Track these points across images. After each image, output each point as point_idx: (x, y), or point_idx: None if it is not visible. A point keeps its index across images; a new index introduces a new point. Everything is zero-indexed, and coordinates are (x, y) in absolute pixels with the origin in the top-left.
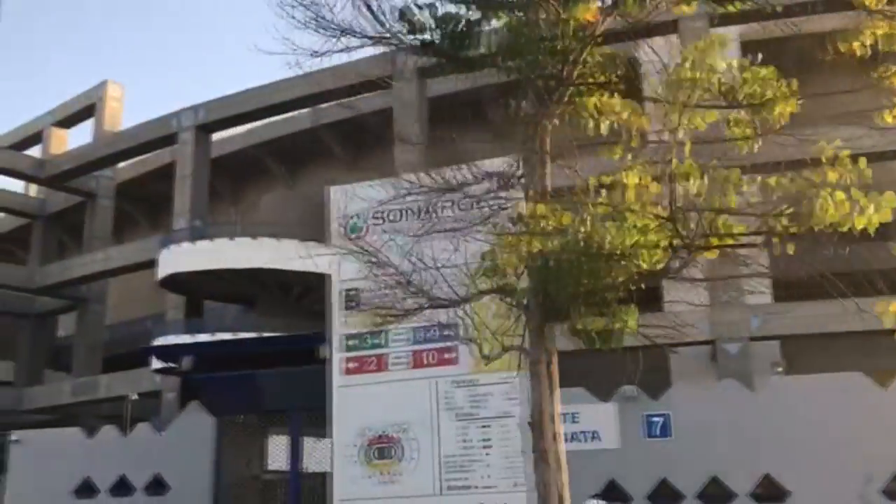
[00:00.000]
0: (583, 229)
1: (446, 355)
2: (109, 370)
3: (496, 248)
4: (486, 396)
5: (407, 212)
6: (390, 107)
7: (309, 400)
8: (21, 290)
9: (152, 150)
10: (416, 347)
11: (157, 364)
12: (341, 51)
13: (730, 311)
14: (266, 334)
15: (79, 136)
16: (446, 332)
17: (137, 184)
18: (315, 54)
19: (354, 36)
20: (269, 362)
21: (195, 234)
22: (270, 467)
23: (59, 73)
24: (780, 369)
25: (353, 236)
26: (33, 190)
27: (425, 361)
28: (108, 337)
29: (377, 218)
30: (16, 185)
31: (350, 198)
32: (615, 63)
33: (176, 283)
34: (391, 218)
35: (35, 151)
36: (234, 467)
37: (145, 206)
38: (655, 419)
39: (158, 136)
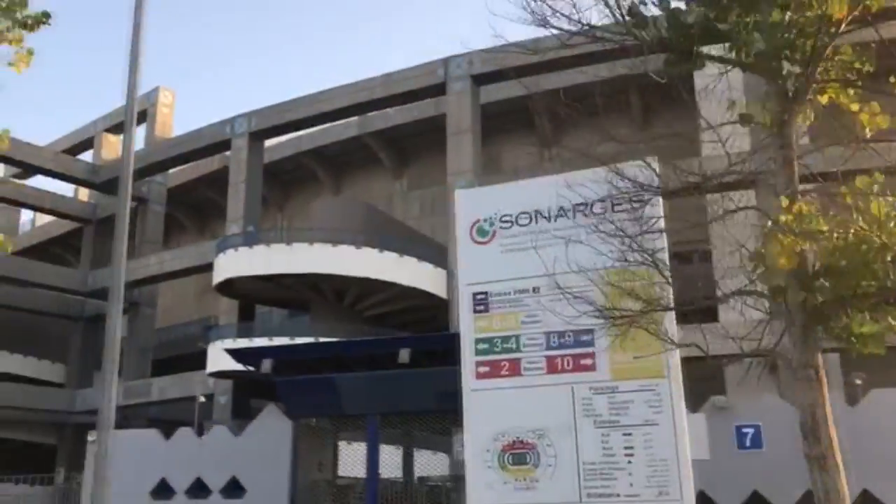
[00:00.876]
0: (855, 229)
1: (583, 361)
2: (158, 373)
3: (763, 249)
4: (626, 404)
5: (537, 215)
6: (435, 115)
7: (387, 404)
8: (74, 293)
9: (206, 156)
10: (551, 353)
11: (212, 367)
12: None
13: None
14: (322, 339)
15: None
16: (582, 338)
17: (184, 190)
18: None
19: (592, 33)
20: (348, 366)
21: (250, 240)
22: (341, 473)
23: (112, 78)
24: (859, 381)
25: (481, 240)
26: (83, 194)
27: (560, 367)
28: (155, 340)
29: (506, 222)
30: (65, 189)
31: (477, 201)
32: (863, 59)
33: (232, 287)
34: (521, 222)
35: (86, 157)
36: (307, 471)
37: (192, 211)
38: (746, 430)
39: (212, 143)
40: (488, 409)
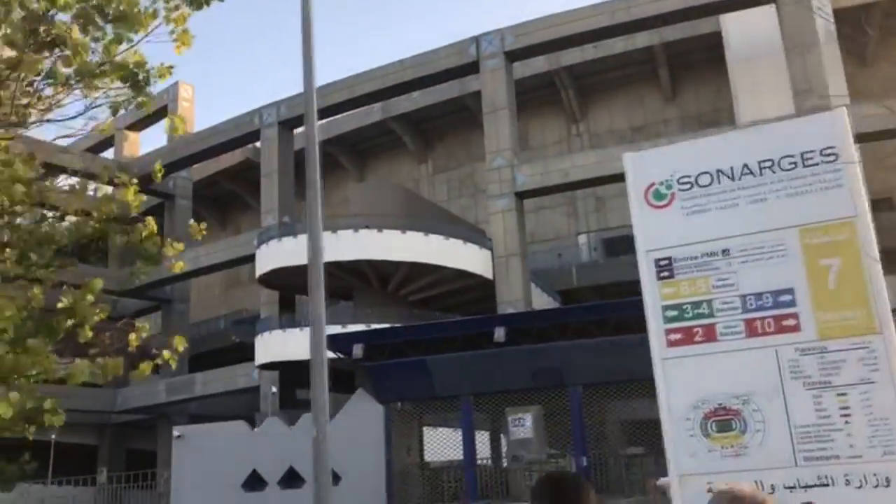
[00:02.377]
0: None
1: (785, 322)
2: (195, 369)
3: None
4: (838, 364)
5: (719, 174)
6: (459, 95)
7: (481, 384)
8: (109, 292)
9: (234, 147)
10: (749, 316)
11: (260, 359)
12: None
13: None
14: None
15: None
16: (781, 299)
17: (205, 184)
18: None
19: None
20: (436, 348)
21: (291, 230)
22: (427, 458)
23: None
24: None
25: (658, 204)
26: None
27: (761, 330)
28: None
29: (684, 183)
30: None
31: (650, 164)
32: None
33: (274, 278)
34: (701, 182)
35: (107, 154)
36: (398, 456)
37: (213, 206)
38: None
39: (240, 135)
40: (684, 377)
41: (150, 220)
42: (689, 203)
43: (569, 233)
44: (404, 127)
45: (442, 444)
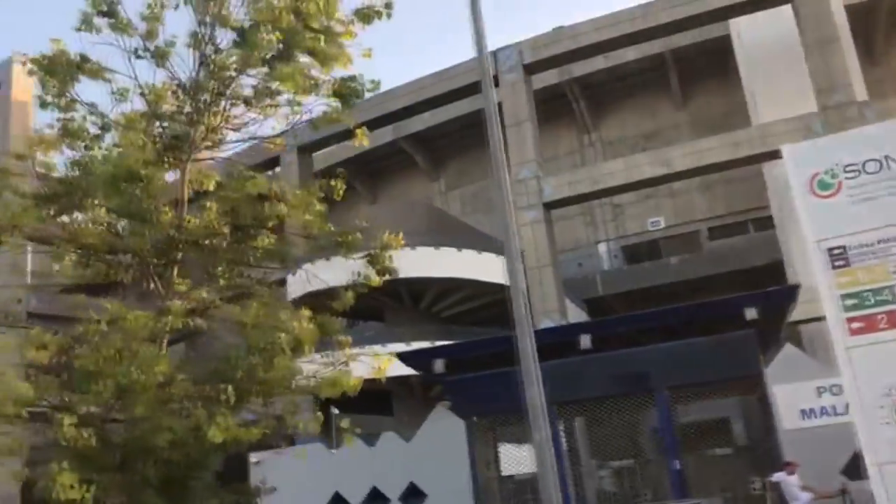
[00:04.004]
0: None
1: None
2: None
3: None
4: None
5: (887, 160)
6: (469, 112)
7: (566, 394)
8: None
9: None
10: None
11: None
12: None
13: None
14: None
15: None
16: None
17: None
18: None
19: None
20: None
21: (328, 252)
22: (504, 472)
23: None
24: None
25: (824, 193)
26: None
27: None
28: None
29: (851, 171)
30: None
31: (811, 155)
32: None
33: (309, 299)
34: (868, 169)
35: None
36: (480, 470)
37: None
38: None
39: (263, 160)
40: (871, 364)
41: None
42: (857, 191)
43: (588, 242)
44: (415, 146)
45: (512, 457)
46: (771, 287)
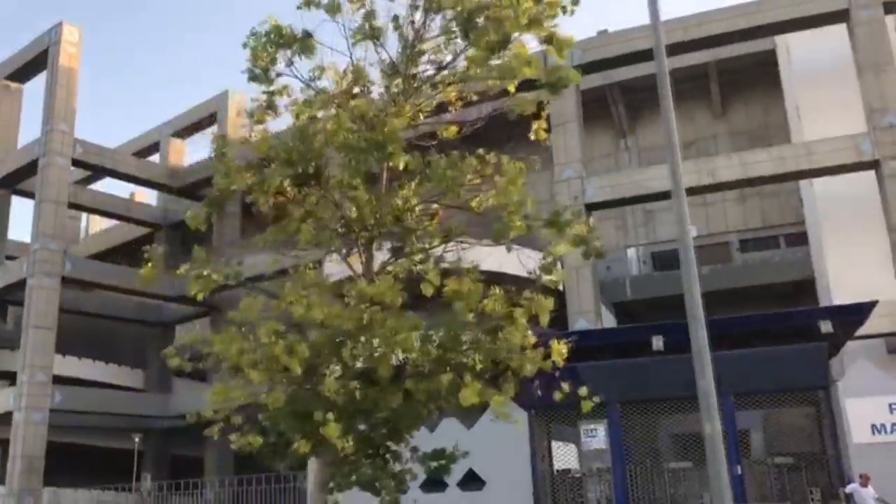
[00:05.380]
0: None
1: None
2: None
3: None
4: None
5: None
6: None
7: (629, 392)
8: (160, 297)
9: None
10: None
11: None
12: None
13: None
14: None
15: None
16: None
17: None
18: None
19: None
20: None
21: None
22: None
23: (175, 79)
24: None
25: None
26: (142, 198)
27: None
28: None
29: None
30: (122, 193)
31: None
32: None
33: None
34: None
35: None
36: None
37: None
38: None
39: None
40: None
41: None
42: None
43: (617, 245)
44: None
45: (562, 454)
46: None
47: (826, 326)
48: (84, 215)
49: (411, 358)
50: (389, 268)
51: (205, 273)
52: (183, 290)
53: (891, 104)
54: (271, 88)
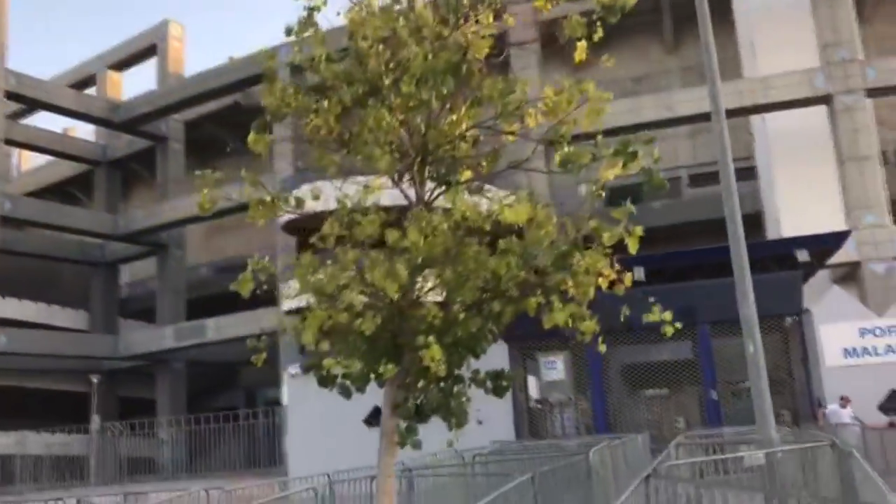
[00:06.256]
0: None
1: None
2: (192, 317)
3: None
4: None
5: None
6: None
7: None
8: (106, 236)
9: (244, 88)
10: None
11: (286, 306)
12: None
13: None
14: None
15: (135, 78)
16: None
17: (189, 127)
18: None
19: None
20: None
21: (307, 178)
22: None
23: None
24: None
25: None
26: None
27: None
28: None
29: None
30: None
31: None
32: None
33: (293, 225)
34: None
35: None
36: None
37: (193, 149)
38: None
39: (252, 74)
40: None
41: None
42: None
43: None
44: None
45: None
46: (756, 238)
47: (803, 255)
48: (16, 152)
49: (501, 280)
50: (444, 196)
51: (267, 199)
52: (128, 228)
53: (844, 38)
54: (312, 4)
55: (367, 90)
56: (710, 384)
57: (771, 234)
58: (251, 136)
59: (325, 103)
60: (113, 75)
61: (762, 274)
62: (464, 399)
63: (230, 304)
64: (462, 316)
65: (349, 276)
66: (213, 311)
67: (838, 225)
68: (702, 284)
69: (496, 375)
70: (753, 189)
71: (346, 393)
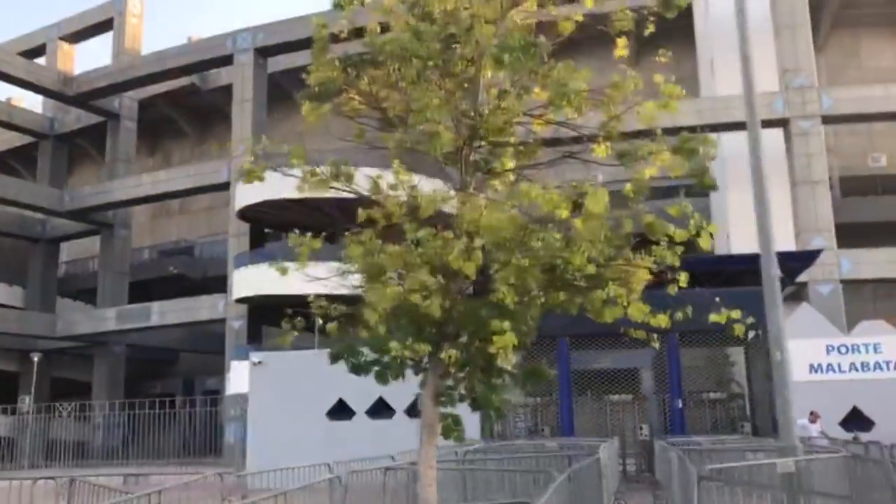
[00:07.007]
0: None
1: None
2: (135, 299)
3: None
4: None
5: None
6: None
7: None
8: (50, 212)
9: (202, 70)
10: None
11: (237, 293)
12: None
13: None
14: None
15: (85, 53)
16: None
17: (141, 106)
18: None
19: None
20: None
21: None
22: None
23: None
24: None
25: None
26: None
27: None
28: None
29: None
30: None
31: None
32: None
33: (250, 212)
34: None
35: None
36: None
37: (145, 129)
38: None
39: (212, 57)
40: None
41: None
42: None
43: None
44: None
45: None
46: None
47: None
48: None
49: (571, 268)
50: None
51: (318, 170)
52: (74, 205)
53: (802, 66)
54: None
55: (430, 66)
56: (677, 393)
57: (720, 250)
58: (306, 107)
59: (379, 76)
60: (65, 47)
61: (728, 287)
62: (505, 393)
63: (172, 288)
64: (534, 304)
65: (418, 255)
66: (154, 295)
67: (788, 247)
68: (670, 295)
69: (532, 371)
70: (704, 206)
71: (383, 380)
